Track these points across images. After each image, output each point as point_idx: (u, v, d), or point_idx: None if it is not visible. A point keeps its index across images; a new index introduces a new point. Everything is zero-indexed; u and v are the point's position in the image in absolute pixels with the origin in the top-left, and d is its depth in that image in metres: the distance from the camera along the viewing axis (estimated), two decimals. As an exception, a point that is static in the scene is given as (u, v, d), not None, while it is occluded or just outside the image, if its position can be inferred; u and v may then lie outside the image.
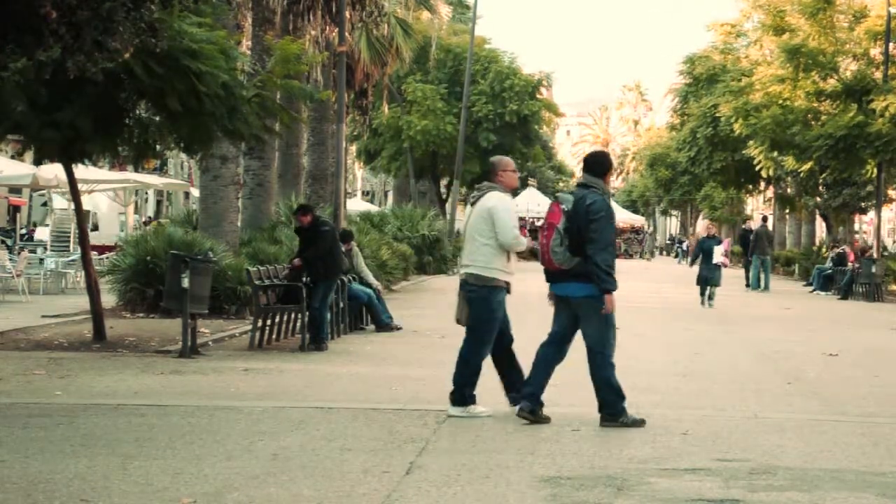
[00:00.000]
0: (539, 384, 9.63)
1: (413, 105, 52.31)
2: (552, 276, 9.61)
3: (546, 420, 9.55)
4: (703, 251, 27.05)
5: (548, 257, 9.49)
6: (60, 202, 36.13)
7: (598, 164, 9.78)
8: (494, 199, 9.92)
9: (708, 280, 26.52)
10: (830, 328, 21.71)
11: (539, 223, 73.67)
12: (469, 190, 65.08)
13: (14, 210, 48.32)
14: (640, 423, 9.53)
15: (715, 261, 26.55)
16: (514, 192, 10.78)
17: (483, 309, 9.86)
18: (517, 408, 9.65)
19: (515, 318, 10.39)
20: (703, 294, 26.53)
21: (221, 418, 9.62)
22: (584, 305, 9.50)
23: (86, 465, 7.60)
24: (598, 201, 9.42)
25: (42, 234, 37.25)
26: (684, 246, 69.36)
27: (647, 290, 31.65)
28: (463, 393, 9.91)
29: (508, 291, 10.02)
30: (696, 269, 27.85)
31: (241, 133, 15.22)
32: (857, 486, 7.45)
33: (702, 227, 33.82)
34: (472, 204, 10.13)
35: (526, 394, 9.64)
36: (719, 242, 27.68)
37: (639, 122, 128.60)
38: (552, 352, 9.70)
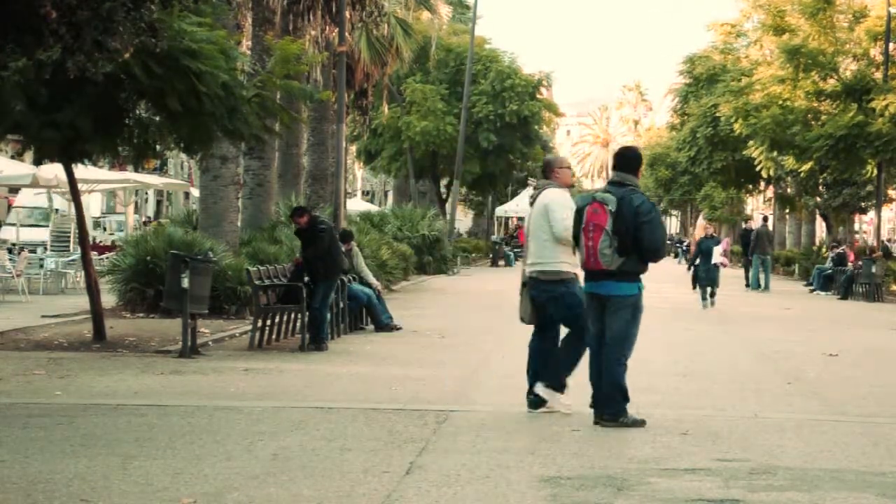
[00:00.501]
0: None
1: (413, 106, 52.30)
2: (593, 276, 9.62)
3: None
4: (701, 252, 26.99)
5: (595, 259, 9.48)
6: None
7: (633, 161, 9.78)
8: (551, 195, 10.09)
9: (707, 281, 26.40)
10: (830, 328, 21.71)
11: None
12: (469, 190, 65.37)
13: (14, 210, 48.27)
14: (640, 423, 9.53)
15: (714, 261, 26.46)
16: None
17: (571, 301, 9.99)
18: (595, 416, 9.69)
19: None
20: (703, 296, 26.34)
21: (221, 418, 9.62)
22: (615, 303, 9.55)
23: (86, 465, 7.60)
24: (645, 202, 9.47)
25: (6, 233, 36.15)
26: (684, 246, 69.28)
27: (647, 289, 31.62)
28: (557, 377, 10.02)
29: None
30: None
31: (241, 133, 15.22)
32: (857, 486, 7.45)
33: (699, 227, 33.73)
34: (531, 203, 10.32)
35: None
36: (718, 243, 27.61)
37: (639, 122, 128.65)
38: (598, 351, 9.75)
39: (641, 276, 9.73)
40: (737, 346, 17.54)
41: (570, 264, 10.04)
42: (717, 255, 26.54)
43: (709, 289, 26.26)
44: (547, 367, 10.15)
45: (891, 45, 35.18)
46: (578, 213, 9.65)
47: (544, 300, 10.05)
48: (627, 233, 9.35)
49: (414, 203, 49.33)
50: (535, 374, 10.15)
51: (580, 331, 9.96)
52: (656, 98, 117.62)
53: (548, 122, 61.75)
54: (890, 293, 33.24)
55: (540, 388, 10.05)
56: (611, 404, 9.54)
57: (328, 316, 15.97)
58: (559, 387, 10.04)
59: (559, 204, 10.00)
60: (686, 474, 7.69)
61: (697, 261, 27.20)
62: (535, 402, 10.14)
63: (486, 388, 12.12)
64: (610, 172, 10.08)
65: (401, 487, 7.13)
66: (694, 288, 28.83)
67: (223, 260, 18.89)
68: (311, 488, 7.05)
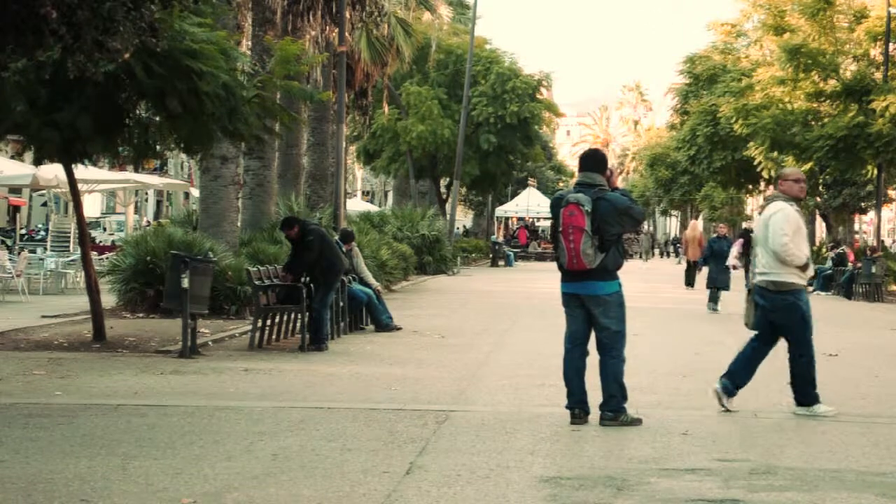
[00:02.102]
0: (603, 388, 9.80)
1: (410, 108, 52.25)
2: (573, 276, 9.65)
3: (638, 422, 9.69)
4: (713, 252, 25.89)
5: (578, 260, 9.51)
6: None
7: (600, 162, 9.86)
8: (774, 208, 10.51)
9: (716, 283, 25.39)
10: (830, 328, 21.68)
11: (539, 223, 73.15)
12: (469, 190, 65.36)
13: (14, 210, 48.37)
14: (637, 421, 9.58)
15: (728, 262, 25.23)
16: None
17: (792, 313, 10.55)
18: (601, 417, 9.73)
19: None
20: (710, 298, 24.96)
21: (221, 418, 9.62)
22: (604, 301, 9.62)
23: (86, 465, 7.60)
24: (619, 197, 9.61)
25: None
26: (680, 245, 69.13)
27: (646, 290, 31.66)
28: (807, 393, 10.54)
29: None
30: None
31: (241, 133, 15.22)
32: (857, 486, 7.45)
33: (691, 226, 33.42)
34: (760, 213, 10.78)
35: (603, 402, 9.76)
36: (730, 244, 26.22)
37: (639, 122, 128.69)
38: (579, 354, 9.79)
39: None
40: (737, 346, 17.46)
41: (797, 275, 10.41)
42: (732, 258, 25.28)
43: (720, 292, 25.27)
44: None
45: (891, 45, 35.20)
46: (555, 217, 9.73)
47: (769, 310, 10.58)
48: (606, 230, 9.48)
49: (414, 203, 49.33)
50: (730, 373, 10.88)
51: (802, 341, 10.57)
52: (656, 98, 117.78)
53: (548, 123, 61.75)
54: (890, 293, 33.24)
55: (797, 410, 10.62)
56: (612, 402, 9.58)
57: (328, 316, 15.96)
58: (812, 400, 10.59)
59: (779, 219, 10.36)
60: (686, 474, 7.70)
61: (706, 262, 26.31)
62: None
63: (486, 388, 12.11)
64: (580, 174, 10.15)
65: (401, 487, 7.13)
66: (687, 286, 28.61)
67: (223, 260, 18.90)
68: (311, 488, 7.05)
